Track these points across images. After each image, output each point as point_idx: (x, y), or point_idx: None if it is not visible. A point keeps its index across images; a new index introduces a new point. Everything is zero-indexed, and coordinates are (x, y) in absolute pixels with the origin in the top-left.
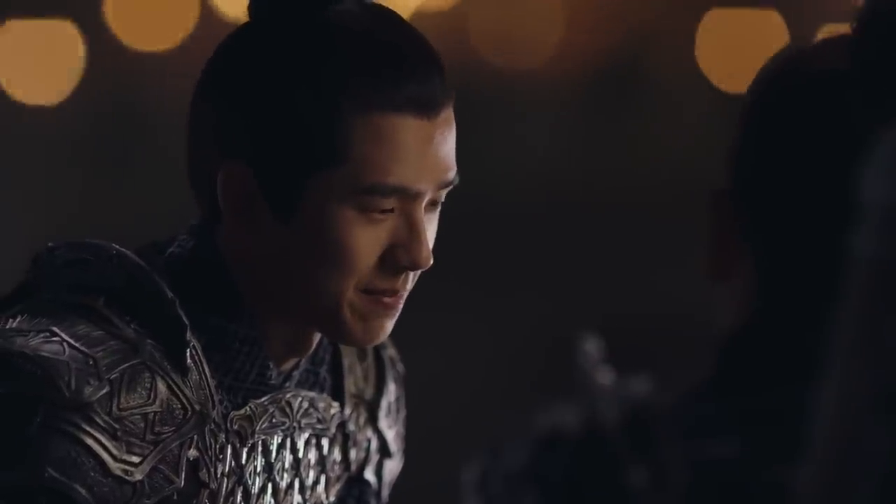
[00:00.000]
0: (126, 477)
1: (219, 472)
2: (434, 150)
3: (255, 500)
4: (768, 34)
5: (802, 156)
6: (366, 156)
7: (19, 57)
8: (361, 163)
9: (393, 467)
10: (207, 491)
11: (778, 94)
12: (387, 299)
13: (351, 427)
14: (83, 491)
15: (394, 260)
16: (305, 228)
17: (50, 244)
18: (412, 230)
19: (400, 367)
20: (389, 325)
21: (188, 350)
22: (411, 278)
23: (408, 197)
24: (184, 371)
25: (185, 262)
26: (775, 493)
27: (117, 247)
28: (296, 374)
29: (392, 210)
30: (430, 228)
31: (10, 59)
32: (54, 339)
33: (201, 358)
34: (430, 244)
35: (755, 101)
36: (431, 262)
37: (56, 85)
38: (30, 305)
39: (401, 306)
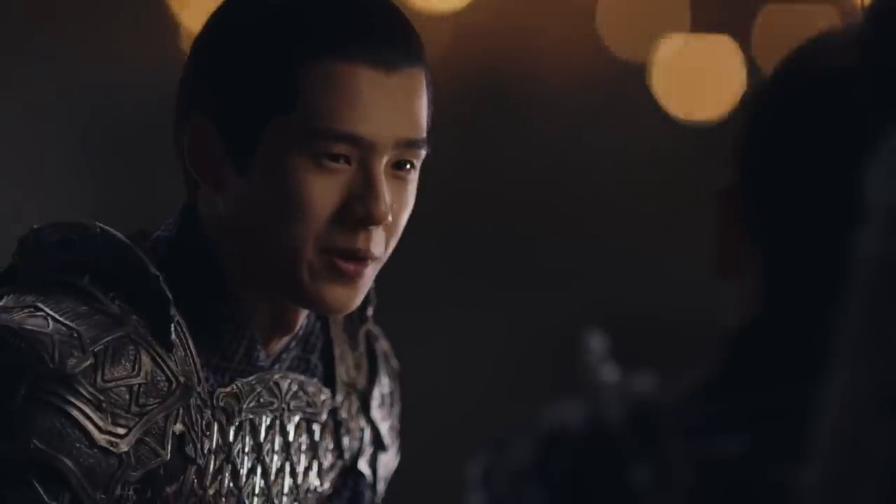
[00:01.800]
0: (112, 448)
1: (205, 448)
2: (390, 104)
3: (244, 480)
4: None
5: (810, 154)
6: (318, 101)
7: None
8: (313, 108)
9: (388, 461)
10: (195, 467)
11: (786, 91)
12: (345, 265)
13: (343, 414)
14: (69, 462)
15: (350, 213)
16: (263, 179)
17: (35, 226)
18: (369, 183)
19: (394, 361)
20: (353, 295)
21: (172, 325)
22: (374, 243)
23: (362, 148)
24: (168, 345)
25: (170, 243)
26: (780, 492)
27: (102, 226)
28: (285, 356)
29: (348, 161)
30: (401, 194)
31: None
32: (39, 313)
33: (186, 335)
34: (403, 212)
35: (763, 97)
36: (389, 218)
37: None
38: (17, 287)
39: (367, 277)
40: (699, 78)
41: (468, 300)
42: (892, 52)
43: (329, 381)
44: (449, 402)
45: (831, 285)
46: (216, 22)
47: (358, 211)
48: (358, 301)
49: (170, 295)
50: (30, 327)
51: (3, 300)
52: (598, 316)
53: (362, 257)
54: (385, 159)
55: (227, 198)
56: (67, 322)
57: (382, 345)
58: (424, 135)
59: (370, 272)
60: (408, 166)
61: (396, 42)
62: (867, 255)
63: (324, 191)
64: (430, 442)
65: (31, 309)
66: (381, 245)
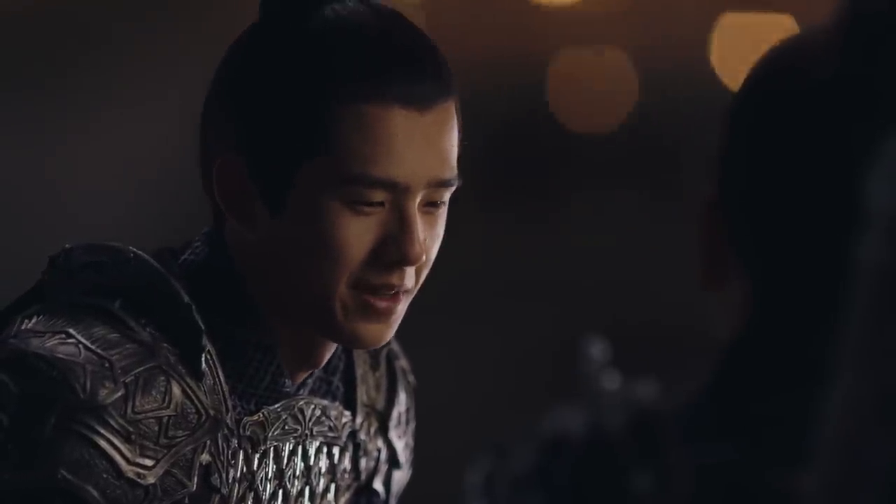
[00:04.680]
0: (138, 480)
1: (230, 477)
2: (424, 144)
3: None
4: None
5: (797, 163)
6: (352, 146)
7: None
8: (347, 153)
9: (401, 478)
10: (219, 496)
11: (766, 100)
12: (380, 303)
13: (362, 436)
14: (95, 493)
15: (385, 254)
16: (295, 221)
17: (67, 245)
18: (403, 224)
19: (411, 378)
20: (386, 330)
21: (203, 355)
22: (408, 277)
23: (397, 191)
24: (198, 376)
25: (199, 268)
26: (780, 498)
27: (135, 250)
28: (309, 381)
29: (382, 204)
30: (433, 228)
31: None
32: (70, 340)
33: (216, 363)
34: (435, 245)
35: (744, 104)
36: (423, 258)
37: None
38: (46, 307)
39: (399, 311)
40: None
41: (468, 307)
42: (873, 57)
43: (350, 402)
44: (449, 409)
45: (823, 292)
46: (241, 55)
47: (393, 253)
48: (390, 335)
49: (202, 325)
50: (61, 356)
51: (33, 321)
52: (597, 323)
53: (396, 292)
54: (418, 199)
55: (257, 233)
56: (99, 351)
57: (402, 362)
58: (456, 171)
59: (402, 306)
60: (439, 202)
61: (429, 76)
62: (868, 261)
63: (358, 234)
64: (430, 449)
65: (63, 335)
66: (412, 278)
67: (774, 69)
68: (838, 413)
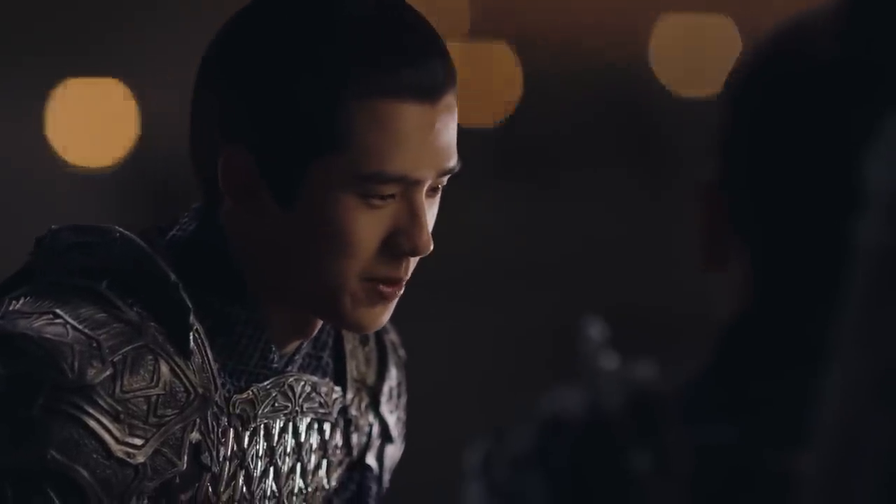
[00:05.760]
0: (128, 459)
1: (221, 455)
2: (435, 136)
3: (256, 484)
4: (722, 40)
5: (799, 145)
6: (367, 143)
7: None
8: (362, 150)
9: (394, 453)
10: (209, 474)
11: (769, 83)
12: (386, 289)
13: (353, 412)
14: (85, 473)
15: (395, 245)
16: (306, 214)
17: (53, 226)
18: (413, 216)
19: (401, 351)
20: (387, 314)
21: (191, 333)
22: (412, 266)
23: (408, 184)
24: (186, 354)
25: (187, 244)
26: (779, 479)
27: (121, 230)
28: (298, 357)
29: (393, 196)
30: (431, 213)
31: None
32: (58, 321)
33: (204, 341)
34: (430, 228)
35: (746, 86)
36: (431, 247)
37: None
38: (33, 288)
39: (399, 294)
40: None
41: (468, 288)
42: (875, 40)
43: (339, 377)
44: (448, 389)
45: (824, 274)
46: (239, 41)
47: (403, 244)
48: (388, 317)
49: (189, 304)
50: (49, 336)
51: (20, 303)
52: (597, 304)
53: (401, 282)
54: (426, 189)
55: (261, 222)
56: (87, 331)
57: (391, 336)
58: (457, 157)
59: (402, 290)
60: (439, 187)
61: (439, 67)
62: (867, 242)
63: (370, 227)
64: (430, 428)
65: (50, 315)
66: (415, 264)
67: (776, 52)
68: (836, 396)
